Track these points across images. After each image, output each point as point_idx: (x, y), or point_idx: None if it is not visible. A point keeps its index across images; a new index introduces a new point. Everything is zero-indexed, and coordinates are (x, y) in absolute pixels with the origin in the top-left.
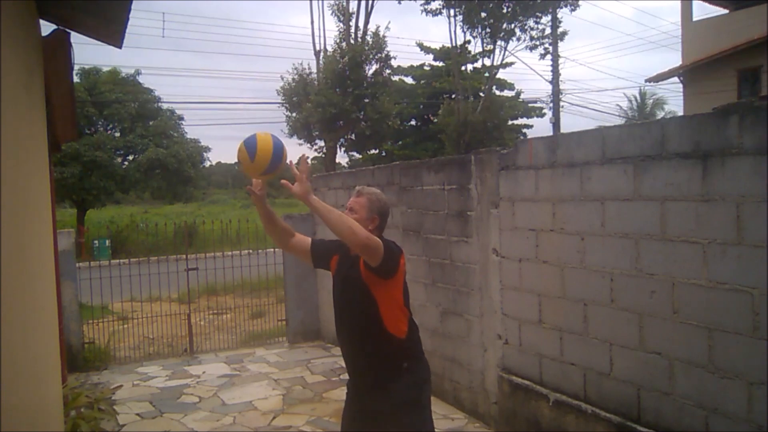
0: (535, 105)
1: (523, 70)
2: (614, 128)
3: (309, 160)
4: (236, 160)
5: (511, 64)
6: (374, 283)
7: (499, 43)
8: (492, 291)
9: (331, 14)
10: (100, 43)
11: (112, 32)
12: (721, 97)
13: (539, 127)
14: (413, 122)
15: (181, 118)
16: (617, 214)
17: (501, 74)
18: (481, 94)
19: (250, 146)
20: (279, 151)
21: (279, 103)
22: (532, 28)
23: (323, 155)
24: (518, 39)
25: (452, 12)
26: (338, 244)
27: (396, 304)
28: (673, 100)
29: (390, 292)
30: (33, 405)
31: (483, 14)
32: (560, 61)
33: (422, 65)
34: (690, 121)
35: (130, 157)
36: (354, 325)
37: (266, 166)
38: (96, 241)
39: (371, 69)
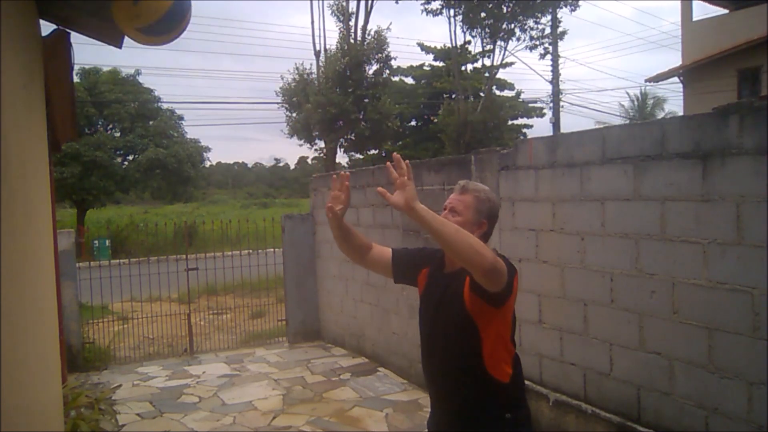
0: (535, 105)
1: (523, 70)
2: (614, 128)
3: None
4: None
5: (511, 64)
6: (480, 312)
7: (499, 43)
8: None
9: (331, 14)
10: (100, 43)
11: (112, 32)
12: (721, 97)
13: (539, 127)
14: (413, 122)
15: (181, 118)
16: (617, 214)
17: (501, 74)
18: (481, 94)
19: None
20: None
21: (279, 103)
22: (532, 28)
23: (323, 155)
24: (518, 39)
25: (452, 12)
26: (427, 253)
27: (502, 339)
28: (673, 100)
29: (497, 325)
30: (33, 405)
31: (483, 14)
32: (560, 61)
33: (422, 65)
34: (690, 121)
35: (130, 157)
36: (447, 364)
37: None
38: (96, 241)
39: (372, 69)
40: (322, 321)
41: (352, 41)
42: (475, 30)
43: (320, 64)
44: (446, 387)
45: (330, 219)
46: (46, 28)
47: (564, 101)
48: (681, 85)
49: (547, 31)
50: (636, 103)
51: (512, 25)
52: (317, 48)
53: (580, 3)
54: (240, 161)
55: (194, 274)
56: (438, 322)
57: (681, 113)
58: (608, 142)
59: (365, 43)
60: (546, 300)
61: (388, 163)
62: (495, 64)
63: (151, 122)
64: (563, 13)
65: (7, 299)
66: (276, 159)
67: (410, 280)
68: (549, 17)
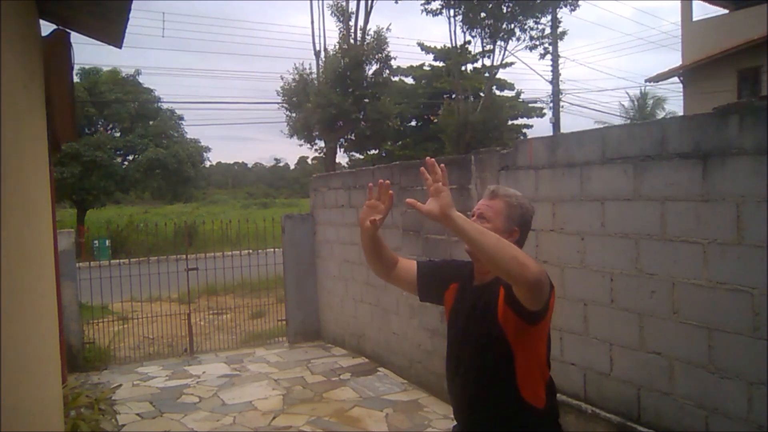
0: (535, 105)
1: (523, 70)
2: (614, 128)
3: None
4: None
5: (511, 64)
6: (515, 330)
7: (499, 43)
8: None
9: (331, 14)
10: (100, 43)
11: (112, 32)
12: (721, 97)
13: (539, 127)
14: (413, 122)
15: (181, 118)
16: (617, 214)
17: (501, 74)
18: (481, 94)
19: None
20: None
21: (279, 103)
22: (531, 28)
23: (323, 155)
24: (518, 39)
25: (452, 12)
26: (455, 267)
27: (537, 360)
28: (673, 100)
29: (533, 344)
30: (33, 405)
31: (483, 14)
32: (560, 61)
33: (422, 65)
34: (690, 121)
35: (130, 157)
36: (476, 386)
37: None
38: (96, 241)
39: (371, 69)
40: (322, 321)
41: (351, 41)
42: (475, 30)
43: (320, 64)
44: (474, 410)
45: (364, 230)
46: (46, 28)
47: (564, 101)
48: (681, 85)
49: (547, 31)
50: (636, 103)
51: (512, 25)
52: (317, 48)
53: (580, 3)
54: (240, 161)
55: (194, 274)
56: (467, 338)
57: (681, 113)
58: (608, 142)
59: (365, 43)
60: None
61: (422, 168)
62: (495, 64)
63: (151, 122)
64: (563, 13)
65: (7, 299)
66: (276, 159)
67: (436, 297)
68: (549, 17)
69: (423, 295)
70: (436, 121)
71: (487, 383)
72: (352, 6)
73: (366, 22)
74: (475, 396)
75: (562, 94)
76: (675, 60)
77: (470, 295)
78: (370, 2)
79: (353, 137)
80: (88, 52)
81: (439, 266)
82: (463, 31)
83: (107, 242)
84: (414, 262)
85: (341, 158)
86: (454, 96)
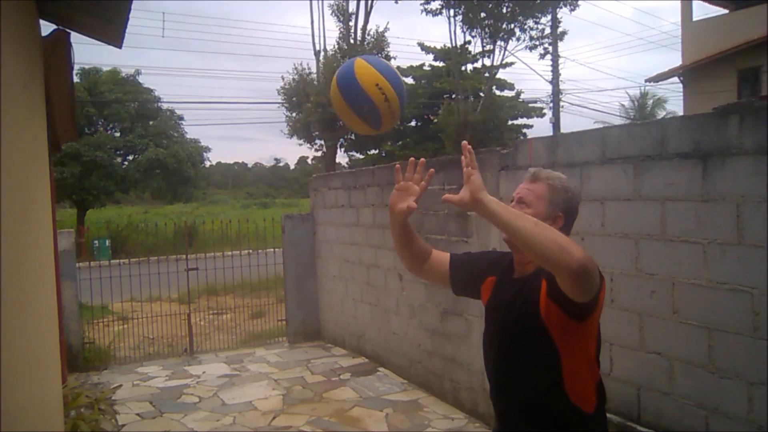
0: (535, 105)
1: (523, 70)
2: (614, 128)
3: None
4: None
5: (511, 64)
6: (560, 326)
7: (499, 43)
8: None
9: (331, 14)
10: (100, 43)
11: (112, 32)
12: (721, 97)
13: (539, 127)
14: (413, 122)
15: (181, 118)
16: (617, 214)
17: (501, 74)
18: (481, 94)
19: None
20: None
21: (279, 103)
22: (531, 28)
23: (323, 155)
24: (518, 39)
25: (452, 12)
26: (492, 259)
27: (586, 359)
28: (673, 100)
29: (581, 342)
30: (33, 405)
31: (483, 14)
32: (560, 61)
33: (422, 65)
34: (690, 121)
35: (130, 157)
36: (519, 388)
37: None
38: (96, 241)
39: None
40: (322, 321)
41: (351, 41)
42: (475, 30)
43: (320, 64)
44: (518, 415)
45: (396, 216)
46: (46, 28)
47: (564, 101)
48: (681, 85)
49: (547, 31)
50: (636, 103)
51: (512, 25)
52: (317, 48)
53: (579, 3)
54: (240, 161)
55: (194, 274)
56: (506, 336)
57: (681, 113)
58: (608, 142)
59: (365, 43)
60: None
61: (462, 157)
62: (495, 64)
63: (151, 122)
64: (563, 13)
65: (7, 299)
66: (276, 159)
67: (472, 291)
68: (549, 17)
69: (457, 288)
70: (436, 121)
71: (530, 386)
72: (352, 6)
73: (366, 22)
74: (517, 401)
75: (562, 94)
76: (675, 60)
77: (509, 289)
78: (370, 2)
79: (353, 137)
80: (88, 52)
81: (474, 258)
82: (463, 31)
83: (107, 242)
84: (447, 254)
85: (341, 158)
86: (454, 96)
